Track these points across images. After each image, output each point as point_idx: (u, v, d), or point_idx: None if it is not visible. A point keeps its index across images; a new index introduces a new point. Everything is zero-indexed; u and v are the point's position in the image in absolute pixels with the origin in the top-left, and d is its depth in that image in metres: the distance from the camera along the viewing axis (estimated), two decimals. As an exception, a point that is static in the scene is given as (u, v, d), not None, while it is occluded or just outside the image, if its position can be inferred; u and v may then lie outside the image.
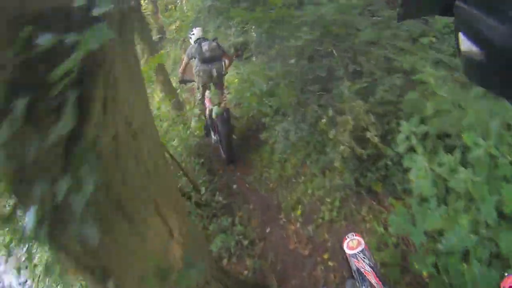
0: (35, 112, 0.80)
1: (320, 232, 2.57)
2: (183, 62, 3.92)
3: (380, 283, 1.22)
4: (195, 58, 3.71)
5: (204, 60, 3.64)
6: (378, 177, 2.43)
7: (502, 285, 1.12)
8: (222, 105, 3.57)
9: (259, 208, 3.09)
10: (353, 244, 1.34)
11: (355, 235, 1.39)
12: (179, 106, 5.23)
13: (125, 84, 1.05)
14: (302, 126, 2.88)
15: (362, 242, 1.35)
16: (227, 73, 4.04)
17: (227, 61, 3.92)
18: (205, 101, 3.88)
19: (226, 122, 3.52)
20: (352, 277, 1.49)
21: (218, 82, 3.75)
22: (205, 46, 3.61)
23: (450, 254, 1.63)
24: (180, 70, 4.01)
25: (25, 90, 0.76)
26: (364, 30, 2.57)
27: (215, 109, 3.50)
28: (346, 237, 1.41)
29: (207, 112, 3.86)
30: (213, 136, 3.93)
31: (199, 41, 3.71)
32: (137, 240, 1.18)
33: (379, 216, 2.37)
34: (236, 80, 4.95)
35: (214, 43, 3.67)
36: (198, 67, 3.70)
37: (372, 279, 1.23)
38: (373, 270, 1.26)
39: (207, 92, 3.80)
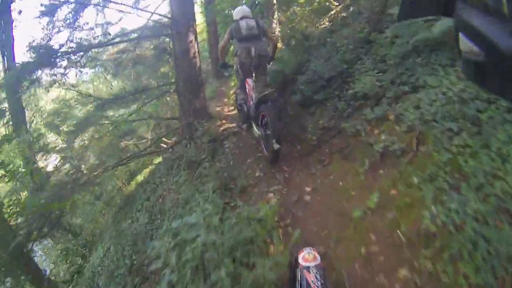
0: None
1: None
2: (223, 40, 3.49)
3: None
4: (234, 38, 3.33)
5: (242, 39, 3.25)
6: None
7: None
8: (270, 90, 2.97)
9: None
10: (308, 257, 1.31)
11: (313, 250, 1.35)
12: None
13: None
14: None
15: (318, 258, 1.32)
16: (273, 58, 3.59)
17: (271, 44, 3.54)
18: (248, 89, 3.39)
19: (274, 112, 2.93)
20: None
21: (259, 65, 3.26)
22: (243, 23, 3.28)
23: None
24: (220, 48, 3.60)
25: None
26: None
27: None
28: (303, 249, 1.37)
29: (250, 102, 3.33)
30: (256, 131, 3.20)
31: (240, 19, 3.36)
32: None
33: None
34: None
35: (253, 21, 3.31)
36: (236, 47, 3.30)
37: None
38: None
39: (249, 80, 3.33)
